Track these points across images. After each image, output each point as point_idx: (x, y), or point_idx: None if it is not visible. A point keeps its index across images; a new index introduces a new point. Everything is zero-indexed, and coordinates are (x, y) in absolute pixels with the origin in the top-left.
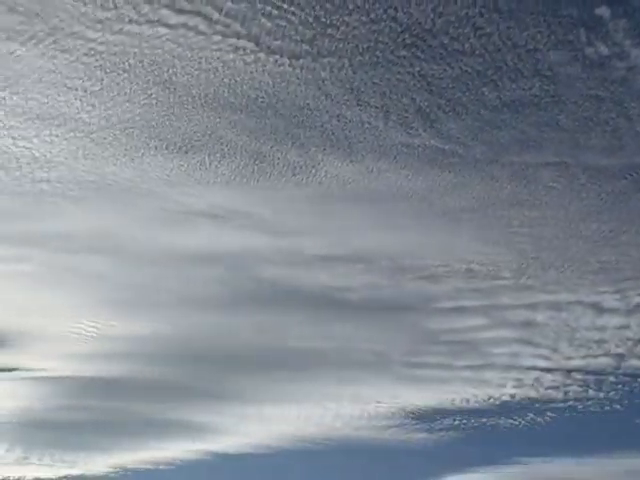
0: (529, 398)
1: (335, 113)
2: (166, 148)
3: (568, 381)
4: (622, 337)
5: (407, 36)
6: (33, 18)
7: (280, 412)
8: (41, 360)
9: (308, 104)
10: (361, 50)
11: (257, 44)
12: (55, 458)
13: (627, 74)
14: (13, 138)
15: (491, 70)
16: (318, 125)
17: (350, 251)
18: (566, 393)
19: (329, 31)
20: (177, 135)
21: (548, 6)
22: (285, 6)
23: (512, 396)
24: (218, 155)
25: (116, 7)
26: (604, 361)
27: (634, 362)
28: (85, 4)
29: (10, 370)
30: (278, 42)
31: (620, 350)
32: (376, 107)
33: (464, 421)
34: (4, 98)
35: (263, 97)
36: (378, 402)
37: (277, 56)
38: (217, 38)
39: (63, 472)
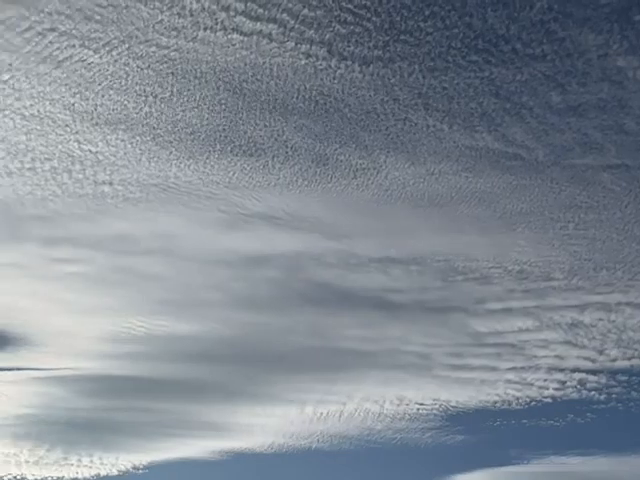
0: (571, 400)
1: (402, 117)
2: (230, 151)
3: (612, 382)
4: None
5: (480, 41)
6: (109, 26)
7: (322, 412)
8: (86, 360)
9: (375, 108)
10: (433, 55)
11: (329, 51)
12: (89, 458)
13: None
14: (78, 142)
15: (560, 74)
16: (383, 129)
17: (405, 253)
18: (609, 395)
19: (402, 37)
20: (242, 139)
21: (621, 13)
22: (362, 12)
23: (554, 398)
24: (281, 158)
25: (192, 14)
26: None
27: None
28: (162, 12)
29: (55, 369)
30: (351, 48)
31: None
32: (442, 111)
33: (504, 422)
34: (73, 104)
35: (331, 102)
36: (420, 404)
37: (349, 62)
38: (290, 45)
39: (94, 472)
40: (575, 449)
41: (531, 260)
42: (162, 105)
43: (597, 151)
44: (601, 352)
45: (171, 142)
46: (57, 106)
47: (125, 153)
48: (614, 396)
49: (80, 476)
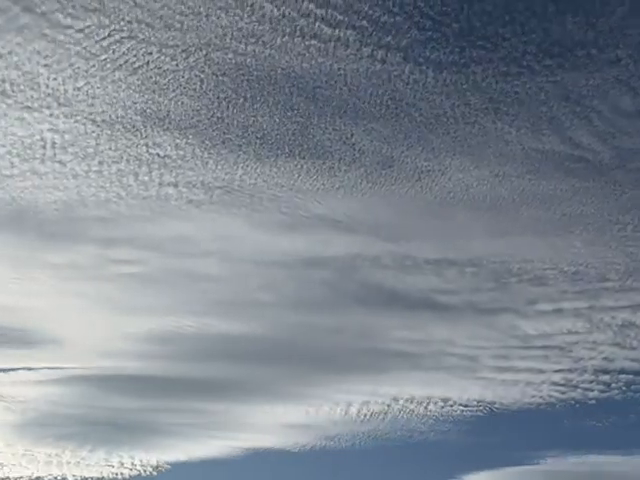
0: (615, 401)
1: (471, 121)
2: (298, 155)
3: None
4: None
5: (556, 47)
6: (188, 33)
7: (367, 412)
8: (132, 359)
9: (446, 112)
10: (508, 60)
11: (405, 57)
12: (131, 459)
13: None
14: (147, 146)
15: (634, 79)
16: (452, 132)
17: (461, 255)
18: None
19: (480, 42)
20: (310, 142)
21: None
22: (442, 18)
23: (598, 400)
24: (348, 161)
25: (272, 21)
26: None
27: None
28: (242, 19)
29: (100, 369)
30: (427, 54)
31: None
32: (511, 115)
33: (546, 422)
34: (145, 109)
35: (402, 106)
36: (464, 405)
37: (423, 67)
38: (367, 51)
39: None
40: (616, 449)
41: (587, 261)
42: (234, 110)
43: None
44: None
45: (240, 146)
46: (129, 111)
47: (193, 156)
48: None
49: (120, 477)
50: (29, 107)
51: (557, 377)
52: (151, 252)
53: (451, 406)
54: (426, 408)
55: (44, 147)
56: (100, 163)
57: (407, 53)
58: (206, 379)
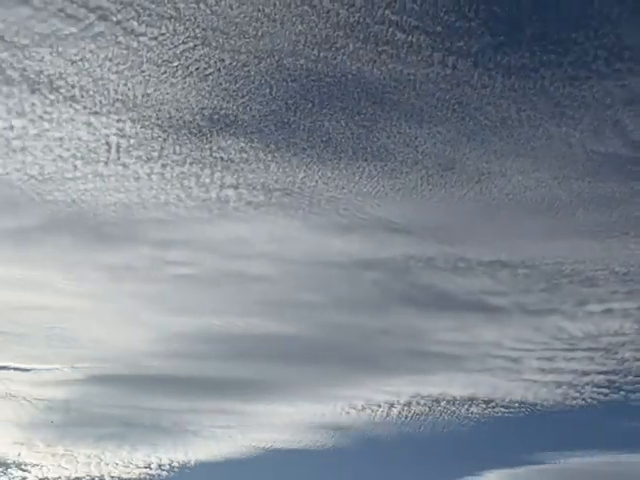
0: None
1: (535, 124)
2: (361, 157)
3: None
4: None
5: (627, 51)
6: (261, 39)
7: (409, 414)
8: (178, 360)
9: (511, 115)
10: (577, 64)
11: (475, 62)
12: (169, 461)
13: None
14: (211, 149)
15: None
16: (515, 135)
17: (515, 257)
18: None
19: (551, 47)
20: (374, 146)
21: None
22: (514, 23)
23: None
24: (409, 163)
25: (345, 27)
26: None
27: None
28: (317, 25)
29: (144, 369)
30: (497, 59)
31: None
32: (576, 118)
33: (586, 423)
34: (212, 114)
35: (468, 110)
36: (506, 407)
37: (492, 72)
38: (438, 57)
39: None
40: None
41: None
42: (301, 114)
43: None
44: None
45: (304, 149)
46: (197, 116)
47: (256, 159)
48: None
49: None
50: (97, 112)
51: (600, 378)
52: (206, 253)
53: (493, 407)
54: (468, 410)
55: (108, 151)
56: (163, 166)
57: (478, 58)
58: (251, 380)
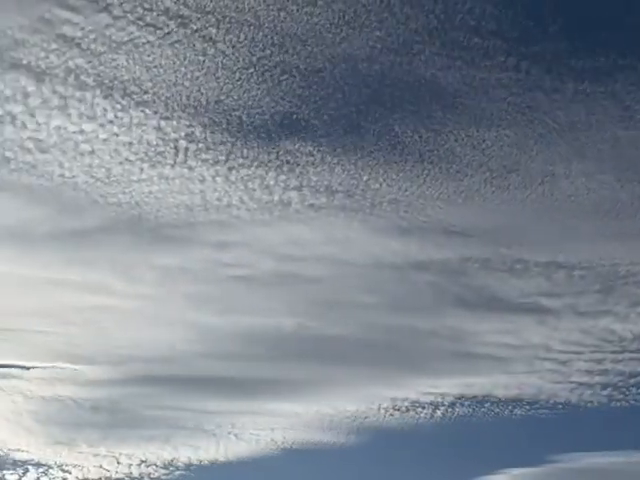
0: None
1: (603, 127)
2: (427, 160)
3: None
4: None
5: None
6: (338, 45)
7: (451, 415)
8: (224, 360)
9: (580, 119)
10: None
11: (549, 68)
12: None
13: None
14: (277, 153)
15: None
16: (582, 138)
17: (572, 258)
18: None
19: (623, 52)
20: (441, 149)
21: None
22: (591, 27)
23: None
24: (475, 165)
25: (422, 34)
26: None
27: None
28: (395, 30)
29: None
30: (571, 63)
31: None
32: None
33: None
34: (283, 119)
35: (538, 113)
36: (550, 409)
37: (565, 77)
38: (513, 61)
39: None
40: None
41: None
42: (371, 118)
43: None
44: None
45: (371, 152)
46: (268, 120)
47: (321, 162)
48: None
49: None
50: (168, 117)
51: None
52: (262, 255)
53: (537, 409)
54: (512, 411)
55: (176, 154)
56: (229, 169)
57: (552, 63)
58: (296, 381)
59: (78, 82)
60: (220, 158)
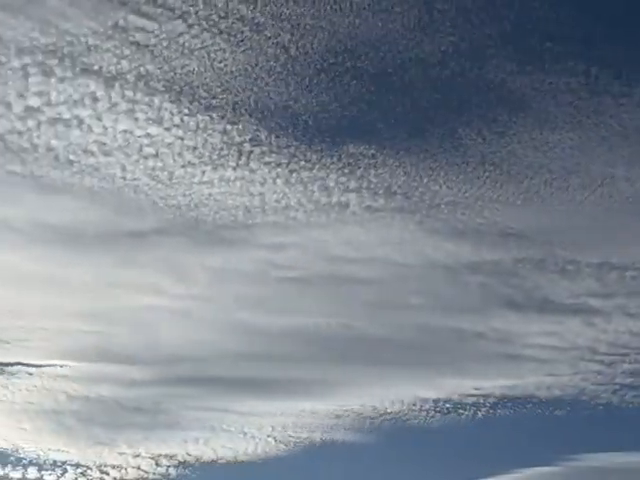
0: None
1: None
2: (488, 162)
3: None
4: None
5: None
6: (411, 50)
7: (492, 416)
8: (259, 361)
9: None
10: None
11: (618, 74)
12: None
13: None
14: (339, 155)
15: None
16: None
17: (625, 260)
18: None
19: None
20: (504, 151)
21: None
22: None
23: None
24: (535, 167)
25: (492, 40)
26: None
27: None
28: (469, 35)
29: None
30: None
31: None
32: None
33: None
34: (346, 123)
35: (604, 117)
36: (592, 409)
37: (632, 82)
38: (582, 67)
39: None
40: None
41: None
42: (436, 122)
43: None
44: None
45: (434, 155)
46: (333, 124)
47: (383, 164)
48: None
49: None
50: (234, 122)
51: None
52: (316, 257)
53: (578, 410)
54: (552, 412)
55: (239, 157)
56: (290, 171)
57: (621, 70)
58: (339, 381)
59: (147, 87)
60: (282, 161)
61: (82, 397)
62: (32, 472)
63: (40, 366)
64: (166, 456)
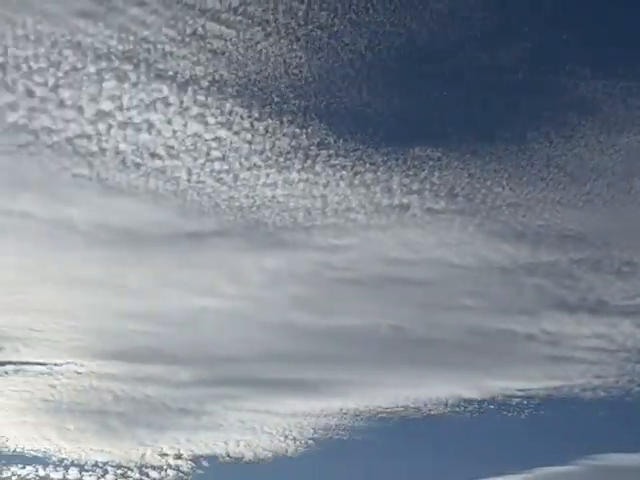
0: None
1: None
2: (554, 165)
3: None
4: None
5: None
6: (485, 55)
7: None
8: (311, 362)
9: None
10: None
11: None
12: None
13: None
14: (404, 157)
15: None
16: None
17: None
18: None
19: None
20: (570, 154)
21: None
22: None
23: None
24: (600, 169)
25: (568, 46)
26: None
27: None
28: (543, 44)
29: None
30: None
31: None
32: None
33: None
34: (417, 125)
35: None
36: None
37: None
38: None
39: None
40: None
41: None
42: (505, 126)
43: None
44: None
45: (500, 157)
46: (399, 126)
47: (448, 166)
48: None
49: None
50: (303, 126)
51: None
52: (372, 259)
53: (622, 410)
54: (595, 414)
55: (305, 160)
56: (355, 174)
57: None
58: (379, 382)
59: (220, 92)
60: (347, 163)
61: (128, 398)
62: (73, 473)
63: (89, 366)
64: (207, 457)
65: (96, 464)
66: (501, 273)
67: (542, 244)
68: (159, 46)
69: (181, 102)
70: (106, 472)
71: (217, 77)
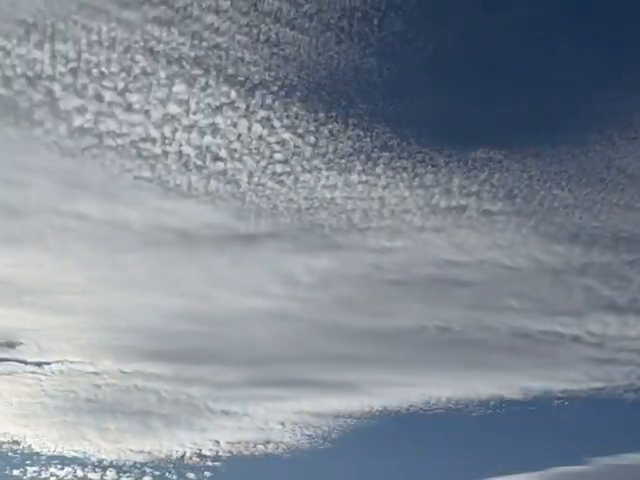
0: None
1: None
2: (614, 167)
3: None
4: None
5: None
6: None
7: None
8: (351, 363)
9: None
10: None
11: None
12: None
13: None
14: (466, 160)
15: None
16: None
17: None
18: None
19: None
20: (630, 156)
21: None
22: None
23: None
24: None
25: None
26: None
27: None
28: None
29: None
30: None
31: None
32: None
33: None
34: (476, 127)
35: None
36: None
37: None
38: None
39: None
40: None
41: None
42: (566, 128)
43: None
44: None
45: (562, 159)
46: (457, 128)
47: (509, 167)
48: None
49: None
50: (368, 129)
51: None
52: (423, 260)
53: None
54: (631, 413)
55: (366, 162)
56: (414, 176)
57: None
58: (420, 382)
59: (287, 96)
60: (408, 165)
61: (172, 398)
62: (110, 474)
63: (135, 366)
64: (245, 458)
65: (134, 465)
66: (551, 274)
67: (596, 245)
68: (231, 52)
69: (248, 106)
70: (144, 473)
71: (286, 82)
